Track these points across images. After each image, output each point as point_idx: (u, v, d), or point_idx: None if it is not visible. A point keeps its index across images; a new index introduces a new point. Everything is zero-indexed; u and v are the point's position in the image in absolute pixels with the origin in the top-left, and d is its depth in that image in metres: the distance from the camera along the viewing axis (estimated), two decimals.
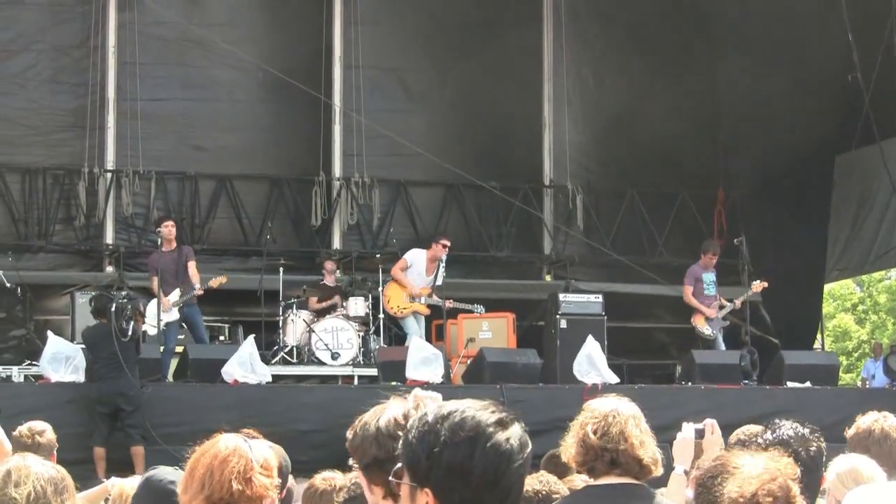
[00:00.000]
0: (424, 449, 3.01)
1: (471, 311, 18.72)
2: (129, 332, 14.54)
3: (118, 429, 14.58)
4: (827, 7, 19.61)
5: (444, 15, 22.87)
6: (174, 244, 17.60)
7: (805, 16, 20.35)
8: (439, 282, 18.39)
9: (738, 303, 18.82)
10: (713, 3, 22.08)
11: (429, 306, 18.29)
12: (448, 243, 18.60)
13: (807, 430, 5.33)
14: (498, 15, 23.02)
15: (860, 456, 5.78)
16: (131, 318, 14.57)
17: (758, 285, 18.77)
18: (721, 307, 18.75)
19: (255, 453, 4.07)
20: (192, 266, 17.46)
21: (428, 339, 17.98)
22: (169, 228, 17.58)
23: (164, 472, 5.32)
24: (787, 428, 5.31)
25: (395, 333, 19.15)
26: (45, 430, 8.41)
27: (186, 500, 4.05)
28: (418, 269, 18.31)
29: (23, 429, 8.39)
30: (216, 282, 17.66)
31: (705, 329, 18.73)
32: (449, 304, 18.23)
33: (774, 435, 5.26)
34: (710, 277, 18.92)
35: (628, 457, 5.29)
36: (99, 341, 14.68)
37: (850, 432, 6.62)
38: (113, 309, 14.56)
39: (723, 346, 18.78)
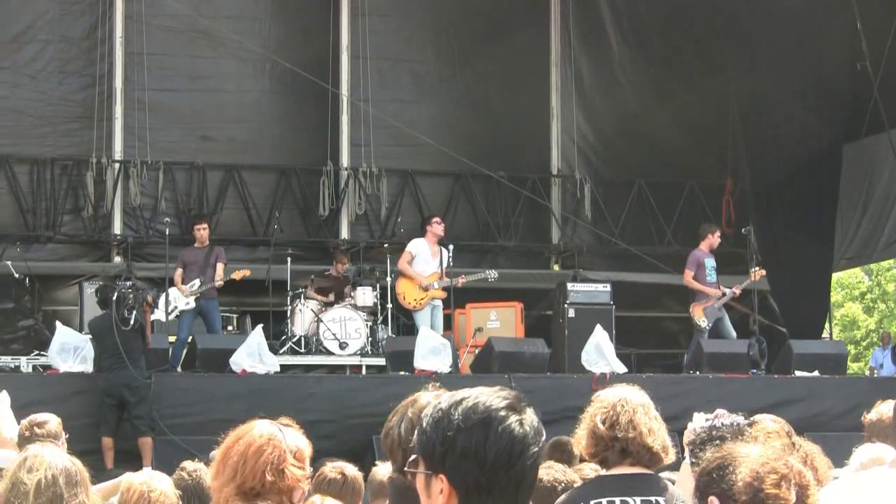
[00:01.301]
0: (438, 435, 3.02)
1: (485, 279, 18.55)
2: (131, 322, 14.52)
3: (126, 419, 14.60)
4: None
5: (452, 5, 22.86)
6: (206, 242, 17.92)
7: (814, 5, 20.30)
8: (446, 263, 18.29)
9: (737, 290, 18.63)
10: None
11: (444, 289, 18.22)
12: (438, 218, 18.57)
13: (741, 419, 5.27)
14: (506, 4, 23.01)
15: (883, 445, 5.78)
16: (133, 307, 14.55)
17: (756, 273, 18.62)
18: (722, 295, 18.54)
19: (289, 443, 4.05)
20: (220, 268, 17.62)
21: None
22: (201, 232, 17.88)
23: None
24: (725, 417, 5.26)
25: (403, 323, 19.16)
26: (46, 422, 8.36)
27: (217, 486, 4.03)
28: (424, 256, 18.26)
29: (24, 421, 8.35)
30: (239, 274, 17.82)
31: (702, 321, 18.56)
32: (462, 280, 18.13)
33: (710, 424, 5.21)
34: (711, 263, 18.64)
35: (638, 445, 5.29)
36: (103, 332, 14.68)
37: (870, 417, 6.59)
38: (114, 298, 14.56)
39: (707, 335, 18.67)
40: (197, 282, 17.40)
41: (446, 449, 3.00)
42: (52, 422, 8.38)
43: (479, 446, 2.98)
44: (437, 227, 18.38)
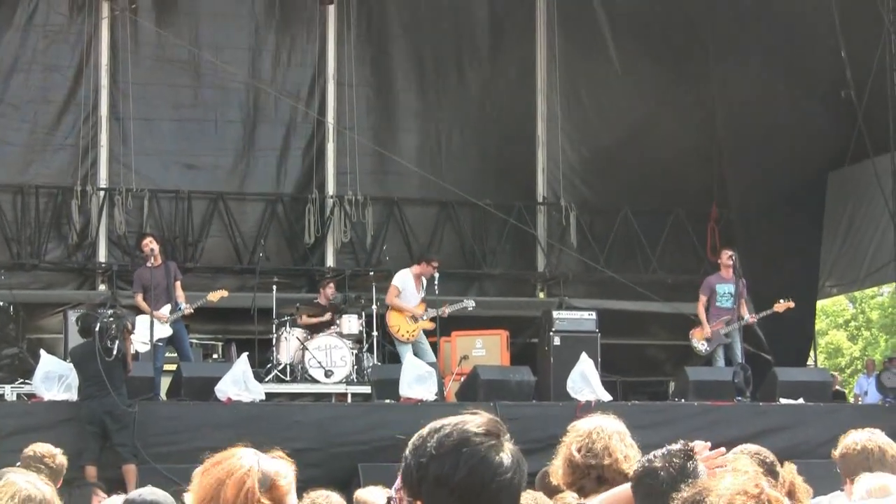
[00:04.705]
0: (415, 462, 3.05)
1: (465, 308, 18.39)
2: (114, 351, 14.47)
3: (109, 447, 14.54)
4: (821, 24, 19.66)
5: (438, 33, 22.93)
6: (159, 259, 17.37)
7: (799, 33, 20.39)
8: (435, 291, 18.15)
9: (752, 319, 18.52)
10: (708, 20, 22.11)
11: (431, 319, 18.14)
12: (437, 264, 18.40)
13: (676, 447, 5.08)
14: (491, 33, 23.08)
15: (887, 474, 5.84)
16: (116, 336, 14.50)
17: (781, 305, 18.39)
18: (728, 322, 18.39)
19: (267, 464, 4.00)
20: (178, 285, 17.40)
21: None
22: (153, 248, 17.22)
23: (144, 493, 5.30)
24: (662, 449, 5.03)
25: (389, 351, 19.12)
26: (56, 454, 8.37)
27: None
28: (409, 289, 18.19)
29: (39, 449, 8.35)
30: (216, 295, 17.47)
31: (700, 345, 18.51)
32: (445, 309, 17.99)
33: (646, 457, 5.02)
34: (725, 289, 18.43)
35: (614, 472, 5.27)
36: (85, 359, 14.60)
37: (838, 452, 6.60)
38: (97, 328, 14.51)
39: (721, 362, 18.51)
40: (168, 307, 17.19)
41: (421, 476, 3.04)
42: (59, 455, 8.38)
43: (449, 472, 3.01)
44: (429, 270, 18.20)
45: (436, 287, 18.30)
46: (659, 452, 4.78)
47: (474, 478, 3.00)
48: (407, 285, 18.20)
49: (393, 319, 18.21)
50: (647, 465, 4.75)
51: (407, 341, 18.01)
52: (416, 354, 17.59)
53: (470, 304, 18.46)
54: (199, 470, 4.00)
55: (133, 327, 15.41)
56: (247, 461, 3.95)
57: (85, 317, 15.27)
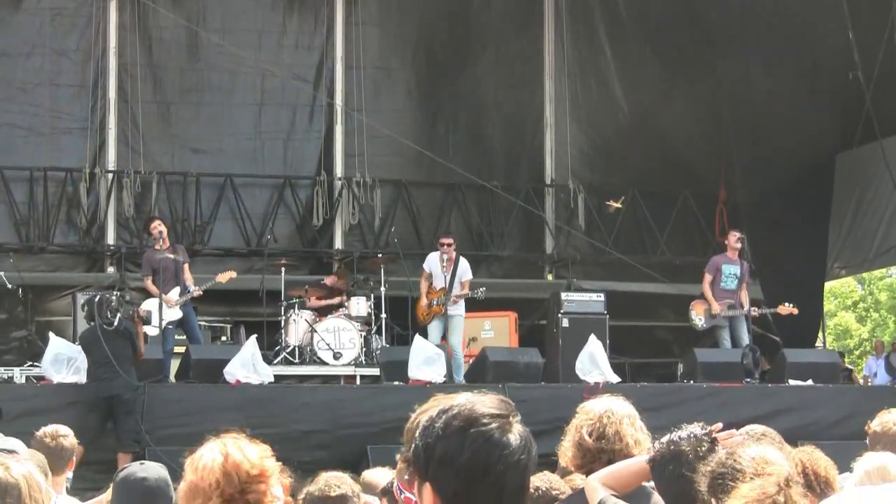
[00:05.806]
0: (423, 443, 3.04)
1: (476, 297, 18.20)
2: (115, 323, 14.40)
3: (111, 431, 14.48)
4: (828, 5, 19.60)
5: (446, 15, 22.90)
6: (167, 242, 17.26)
7: (806, 14, 20.33)
8: (468, 276, 18.00)
9: (753, 311, 18.44)
10: (716, 2, 22.05)
11: (443, 304, 17.84)
12: (445, 241, 18.19)
13: (698, 430, 5.09)
14: (500, 14, 23.05)
15: (889, 454, 5.72)
16: (117, 309, 14.48)
17: (785, 308, 18.27)
18: (731, 306, 18.32)
19: (248, 449, 4.04)
20: (186, 267, 17.30)
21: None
22: (158, 230, 17.15)
23: (135, 469, 5.31)
24: (683, 430, 5.06)
25: (397, 333, 19.12)
26: (67, 435, 8.36)
27: None
28: (436, 271, 18.03)
29: (47, 429, 8.35)
30: (224, 276, 17.31)
31: (698, 319, 18.41)
32: (454, 298, 17.83)
33: (668, 438, 5.03)
34: (730, 269, 18.34)
35: (624, 456, 5.28)
36: (93, 343, 14.57)
37: (874, 427, 6.57)
38: (96, 300, 14.48)
39: (727, 344, 18.43)
40: (177, 289, 17.12)
41: (428, 457, 3.02)
42: (71, 436, 8.36)
43: (454, 453, 2.99)
44: (438, 248, 18.05)
45: (465, 266, 17.91)
46: (683, 435, 4.81)
47: (479, 458, 2.98)
48: (433, 267, 18.06)
49: (420, 302, 18.15)
50: (672, 448, 4.76)
51: (422, 323, 17.92)
52: (444, 334, 17.59)
53: (479, 292, 18.06)
54: (188, 478, 4.00)
55: (150, 319, 15.40)
56: (224, 444, 3.97)
57: (88, 302, 15.26)
